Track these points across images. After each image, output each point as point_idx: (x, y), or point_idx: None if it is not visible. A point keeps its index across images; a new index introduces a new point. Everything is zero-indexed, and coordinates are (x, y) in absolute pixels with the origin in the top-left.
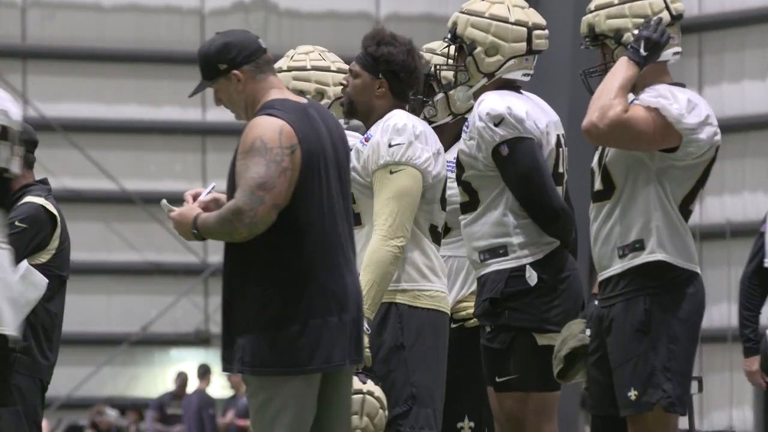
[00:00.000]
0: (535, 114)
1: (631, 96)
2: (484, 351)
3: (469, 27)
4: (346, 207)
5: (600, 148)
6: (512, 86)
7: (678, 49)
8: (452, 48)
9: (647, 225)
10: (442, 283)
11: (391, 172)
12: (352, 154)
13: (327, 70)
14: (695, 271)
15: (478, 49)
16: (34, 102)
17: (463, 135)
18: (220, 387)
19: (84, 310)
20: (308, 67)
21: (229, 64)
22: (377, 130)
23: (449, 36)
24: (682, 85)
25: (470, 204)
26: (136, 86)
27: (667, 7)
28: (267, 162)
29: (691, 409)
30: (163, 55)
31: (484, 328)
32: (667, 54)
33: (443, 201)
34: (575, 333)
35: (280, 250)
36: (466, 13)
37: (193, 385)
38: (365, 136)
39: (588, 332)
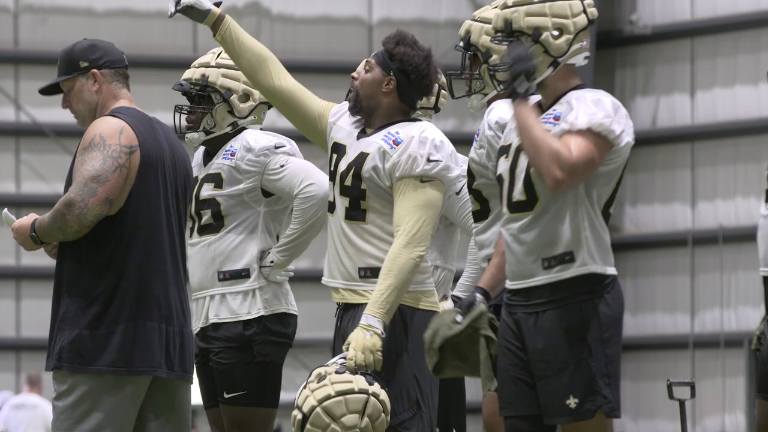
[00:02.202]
0: None
1: (537, 97)
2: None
3: (483, 35)
4: (180, 224)
5: (508, 156)
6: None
7: (587, 53)
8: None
9: (577, 237)
10: (432, 283)
11: (422, 181)
12: (376, 152)
13: None
14: (615, 274)
15: (494, 57)
16: (26, 107)
17: (474, 144)
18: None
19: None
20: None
21: (91, 63)
22: (411, 138)
23: (462, 44)
24: (585, 86)
25: (481, 212)
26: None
27: (585, 11)
28: (104, 157)
29: (684, 415)
30: (156, 61)
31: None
32: (579, 58)
33: None
34: (446, 322)
35: (110, 250)
36: (480, 21)
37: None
38: (392, 137)
39: (459, 318)
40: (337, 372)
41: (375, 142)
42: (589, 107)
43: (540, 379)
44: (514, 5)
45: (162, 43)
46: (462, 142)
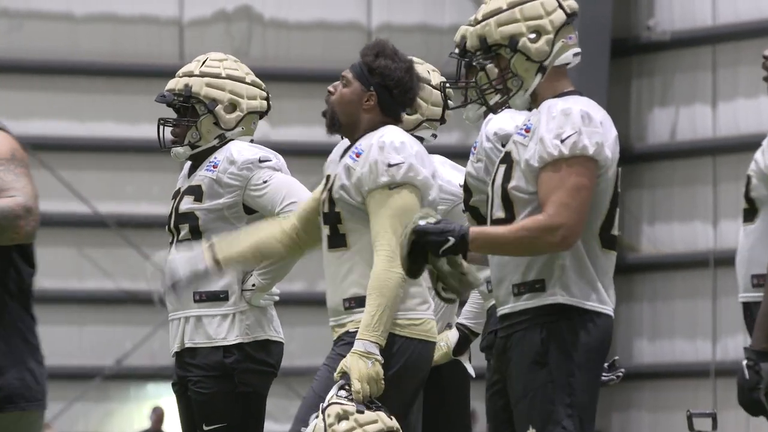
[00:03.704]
0: None
1: (525, 114)
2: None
3: None
4: None
5: (498, 169)
6: None
7: (577, 49)
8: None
9: (550, 263)
10: (432, 309)
11: (391, 188)
12: (342, 170)
13: (242, 81)
14: (600, 312)
15: (491, 64)
16: (0, 119)
17: (471, 157)
18: None
19: (54, 342)
20: (223, 75)
21: None
22: (370, 146)
23: (457, 51)
24: (579, 93)
25: None
26: (112, 102)
27: (561, 6)
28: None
29: None
30: (140, 69)
31: (489, 362)
32: (567, 56)
33: None
34: (415, 218)
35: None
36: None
37: (170, 422)
38: (355, 150)
39: (431, 220)
40: (358, 411)
41: (343, 160)
42: (556, 122)
43: (513, 408)
44: (484, 18)
45: (147, 51)
46: (467, 155)
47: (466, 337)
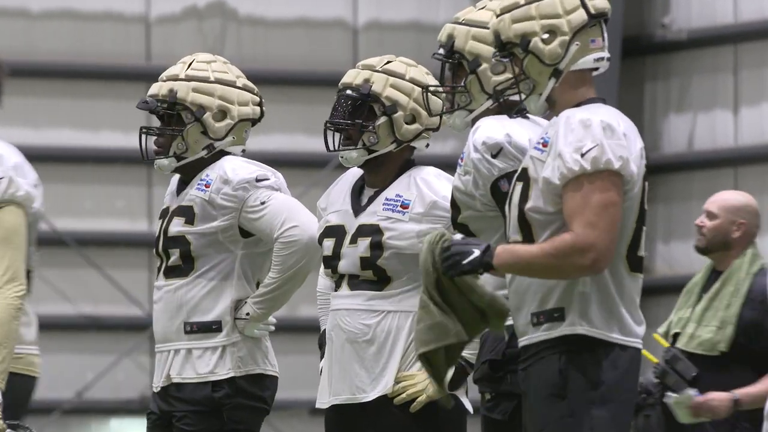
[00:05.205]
0: None
1: (542, 123)
2: (484, 423)
3: (470, 40)
4: None
5: (515, 187)
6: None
7: (602, 54)
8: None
9: (570, 291)
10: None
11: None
12: None
13: (232, 85)
14: (625, 345)
15: (484, 66)
16: None
17: (458, 169)
18: None
19: None
20: (211, 78)
21: None
22: None
23: (443, 51)
24: (602, 100)
25: None
26: (70, 107)
27: (584, 5)
28: None
29: None
30: (103, 70)
31: (483, 396)
32: (588, 61)
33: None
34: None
35: None
36: (466, 24)
37: None
38: None
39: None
40: None
41: None
42: (575, 134)
43: None
44: (502, 13)
45: (110, 50)
46: None
47: (462, 369)
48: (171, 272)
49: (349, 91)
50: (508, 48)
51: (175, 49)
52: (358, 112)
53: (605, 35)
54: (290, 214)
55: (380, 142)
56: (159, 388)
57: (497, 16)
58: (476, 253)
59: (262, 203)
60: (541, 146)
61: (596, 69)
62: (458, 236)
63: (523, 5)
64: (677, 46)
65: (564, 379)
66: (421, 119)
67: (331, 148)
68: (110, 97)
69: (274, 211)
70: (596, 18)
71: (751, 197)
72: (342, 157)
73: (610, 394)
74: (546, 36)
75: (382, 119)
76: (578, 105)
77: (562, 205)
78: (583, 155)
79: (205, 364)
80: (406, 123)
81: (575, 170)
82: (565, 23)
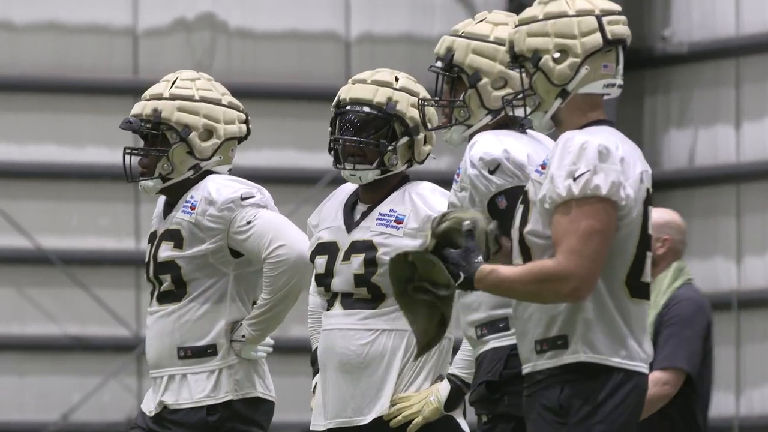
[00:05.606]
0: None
1: (541, 139)
2: None
3: (470, 54)
4: None
5: (518, 210)
6: (515, 124)
7: (613, 80)
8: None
9: (573, 317)
10: None
11: None
12: None
13: (218, 103)
14: (630, 370)
15: (484, 80)
16: None
17: (454, 185)
18: None
19: None
20: (196, 97)
21: None
22: None
23: (441, 64)
24: (609, 123)
25: None
26: (54, 122)
27: (601, 29)
28: None
29: None
30: (88, 84)
31: (480, 418)
32: (596, 86)
33: None
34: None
35: None
36: (466, 37)
37: None
38: None
39: (490, 225)
40: None
41: None
42: (570, 158)
43: None
44: (520, 24)
45: (96, 64)
46: None
47: (458, 389)
48: (164, 298)
49: (367, 109)
50: (520, 60)
51: (163, 63)
52: (379, 131)
53: (620, 61)
54: (277, 233)
55: (399, 162)
56: (152, 413)
57: (516, 26)
58: (461, 278)
59: (248, 222)
60: (540, 168)
61: (605, 94)
62: (493, 225)
63: (540, 20)
64: (678, 60)
65: (565, 407)
66: (432, 140)
67: (348, 167)
68: (96, 112)
69: (260, 231)
70: (612, 44)
71: (677, 214)
72: (353, 175)
73: (614, 422)
74: (557, 55)
75: (404, 139)
76: (583, 127)
77: (551, 229)
78: (575, 179)
79: (201, 389)
80: (423, 144)
81: (563, 195)
82: (579, 45)
